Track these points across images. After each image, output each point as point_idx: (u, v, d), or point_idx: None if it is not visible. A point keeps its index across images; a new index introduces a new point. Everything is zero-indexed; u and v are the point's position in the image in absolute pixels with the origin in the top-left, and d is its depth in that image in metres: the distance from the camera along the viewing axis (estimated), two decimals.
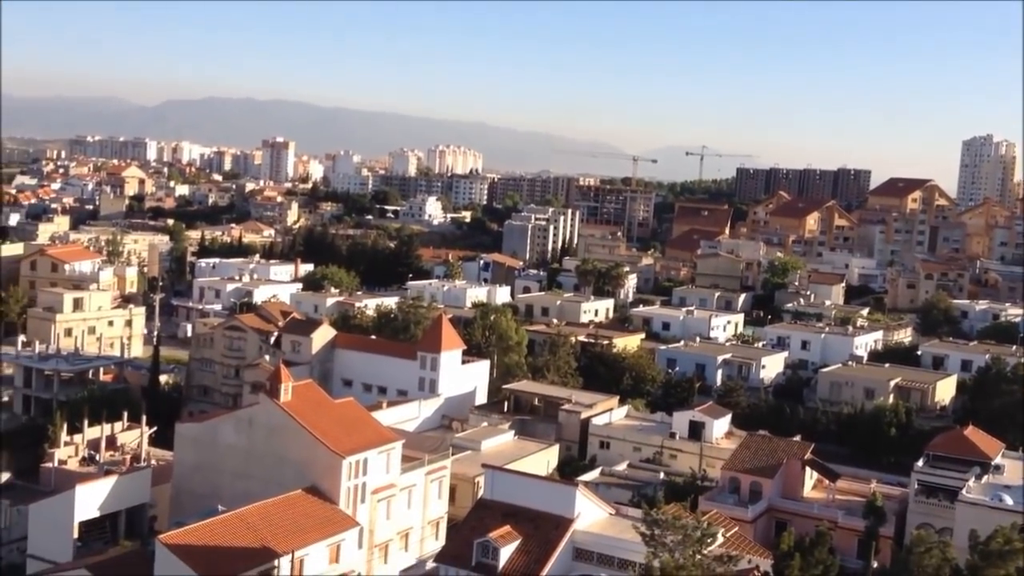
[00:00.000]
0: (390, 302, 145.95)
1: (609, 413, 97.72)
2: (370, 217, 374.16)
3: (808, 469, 78.27)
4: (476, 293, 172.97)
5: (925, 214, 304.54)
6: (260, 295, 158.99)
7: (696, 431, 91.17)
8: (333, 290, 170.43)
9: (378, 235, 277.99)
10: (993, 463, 77.70)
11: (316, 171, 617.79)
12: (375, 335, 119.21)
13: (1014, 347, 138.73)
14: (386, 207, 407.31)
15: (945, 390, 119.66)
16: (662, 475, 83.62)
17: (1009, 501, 70.01)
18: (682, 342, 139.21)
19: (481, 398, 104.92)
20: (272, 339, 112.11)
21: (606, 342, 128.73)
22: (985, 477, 75.60)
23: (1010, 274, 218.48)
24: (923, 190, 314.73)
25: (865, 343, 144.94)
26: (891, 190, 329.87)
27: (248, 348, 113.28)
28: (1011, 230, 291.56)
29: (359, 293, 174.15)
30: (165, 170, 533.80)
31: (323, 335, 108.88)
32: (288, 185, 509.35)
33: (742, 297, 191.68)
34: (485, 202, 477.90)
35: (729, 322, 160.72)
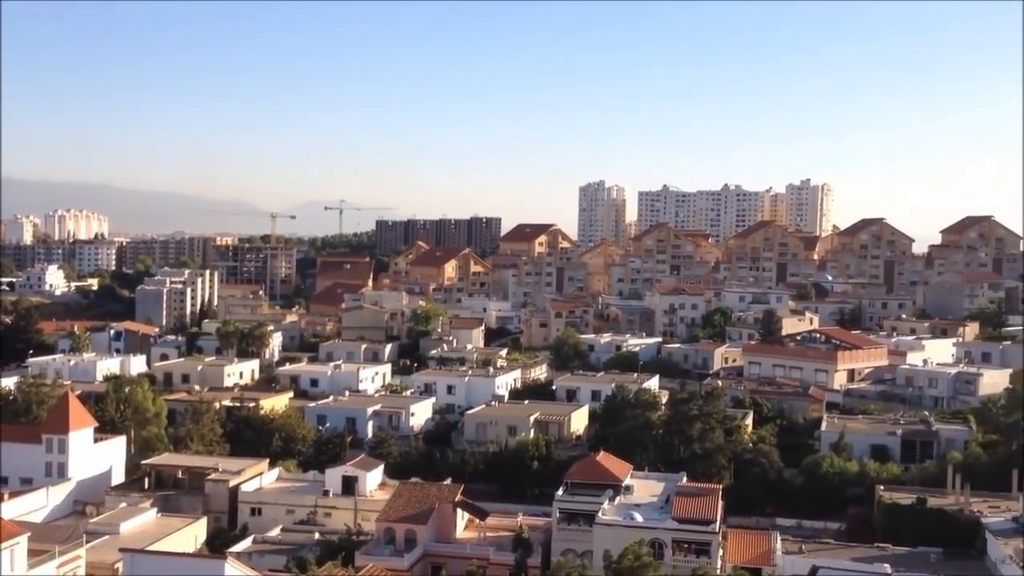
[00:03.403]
0: (8, 382, 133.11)
1: (259, 478, 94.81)
2: None
3: (459, 511, 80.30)
4: (108, 365, 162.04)
5: (551, 256, 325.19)
6: None
7: (349, 486, 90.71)
8: None
9: None
10: (624, 484, 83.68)
11: None
12: None
13: (635, 375, 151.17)
14: None
15: (579, 420, 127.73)
16: (317, 535, 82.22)
17: (639, 519, 75.64)
18: (331, 397, 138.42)
19: (118, 477, 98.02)
20: None
21: (252, 405, 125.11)
22: (618, 498, 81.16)
23: (628, 307, 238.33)
24: (548, 234, 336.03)
25: (506, 382, 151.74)
26: (520, 235, 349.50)
27: None
28: (626, 267, 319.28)
29: None
30: None
31: None
32: None
33: (388, 347, 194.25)
34: (114, 268, 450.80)
35: (377, 373, 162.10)
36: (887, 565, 71.30)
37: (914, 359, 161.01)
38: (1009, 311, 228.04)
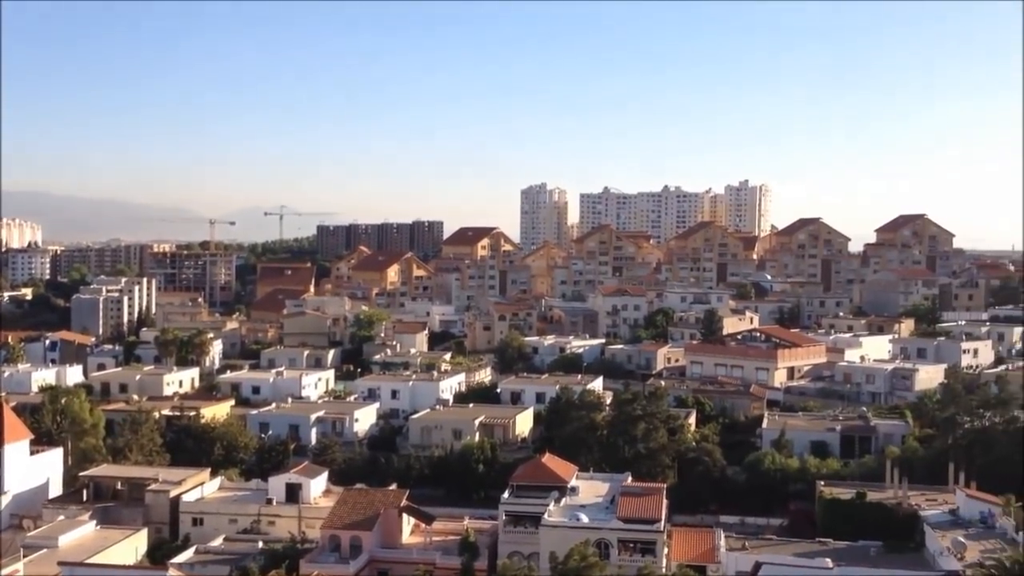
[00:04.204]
0: None
1: (201, 487, 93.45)
2: None
3: (405, 516, 79.94)
4: (43, 376, 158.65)
5: (494, 259, 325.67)
6: None
7: (293, 493, 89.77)
8: None
9: None
10: (569, 486, 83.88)
11: None
12: None
13: (579, 376, 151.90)
14: None
15: (524, 423, 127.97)
16: (260, 544, 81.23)
17: (585, 519, 75.92)
18: (274, 404, 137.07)
19: (56, 490, 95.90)
20: None
21: (193, 413, 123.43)
22: (564, 500, 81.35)
23: (571, 309, 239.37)
24: (490, 237, 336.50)
25: (450, 386, 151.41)
26: (462, 239, 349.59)
27: None
28: (569, 269, 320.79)
29: None
30: None
31: None
32: None
33: (331, 353, 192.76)
34: (48, 277, 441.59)
35: (320, 379, 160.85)
36: (828, 560, 72.28)
37: (852, 356, 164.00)
38: (943, 307, 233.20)
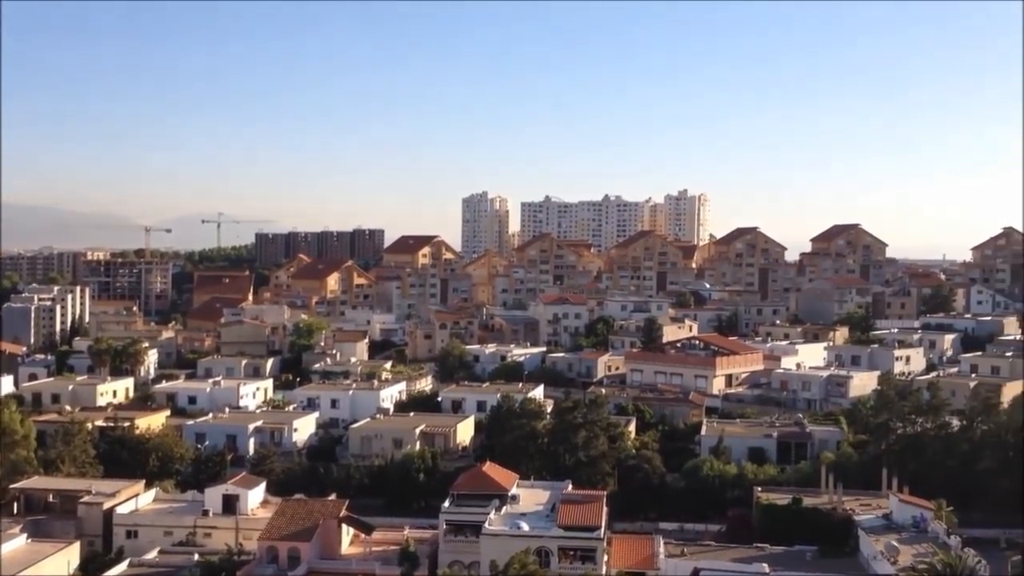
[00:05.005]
0: None
1: (135, 499, 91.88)
2: None
3: (344, 526, 79.29)
4: None
5: (435, 268, 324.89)
6: None
7: (230, 505, 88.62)
8: None
9: None
10: (510, 494, 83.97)
11: None
12: None
13: (520, 384, 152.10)
14: None
15: (465, 431, 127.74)
16: (196, 556, 80.00)
17: (525, 528, 76.04)
18: (210, 415, 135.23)
19: None
20: None
21: (127, 424, 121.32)
22: (504, 508, 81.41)
23: (512, 318, 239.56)
24: (431, 245, 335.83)
25: (391, 395, 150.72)
26: (403, 247, 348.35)
27: None
28: (510, 278, 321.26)
29: None
30: None
31: None
32: None
33: (270, 362, 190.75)
34: None
35: (258, 389, 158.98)
36: (765, 565, 73.27)
37: (788, 363, 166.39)
38: (876, 315, 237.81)
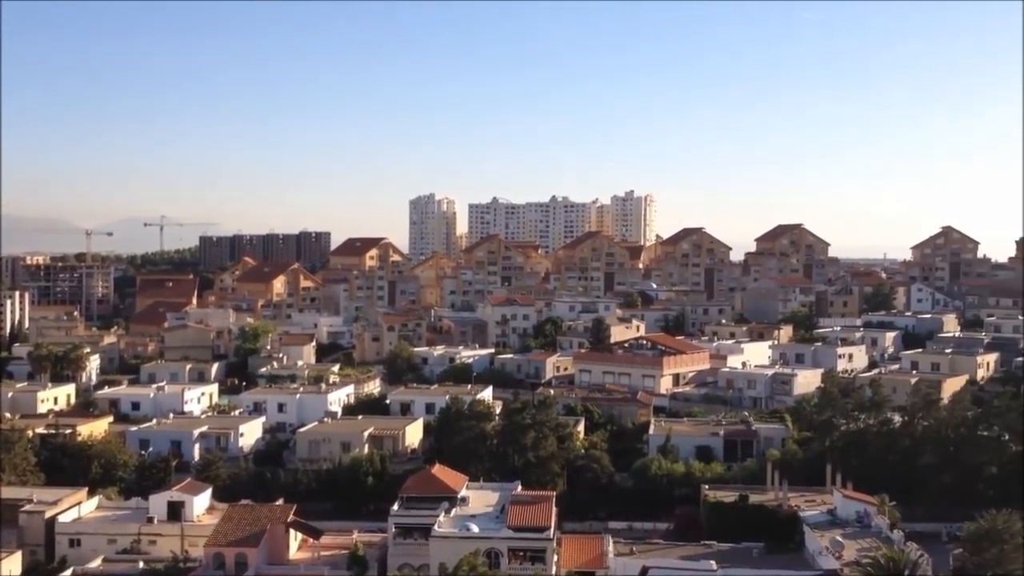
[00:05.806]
0: None
1: (78, 507, 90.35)
2: None
3: (292, 531, 78.69)
4: None
5: (383, 270, 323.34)
6: None
7: (175, 511, 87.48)
8: None
9: None
10: (460, 496, 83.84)
11: None
12: None
13: (469, 386, 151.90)
14: None
15: (414, 433, 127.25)
16: (141, 564, 78.86)
17: (475, 529, 75.99)
18: (154, 420, 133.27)
19: None
20: None
21: (69, 431, 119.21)
22: (454, 510, 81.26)
23: (461, 319, 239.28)
24: (379, 248, 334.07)
25: (338, 398, 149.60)
26: (350, 250, 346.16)
27: None
28: (458, 279, 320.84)
29: None
30: None
31: None
32: None
33: (215, 366, 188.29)
34: None
35: (204, 394, 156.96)
36: (713, 562, 74.00)
37: (734, 362, 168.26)
38: (819, 314, 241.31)
